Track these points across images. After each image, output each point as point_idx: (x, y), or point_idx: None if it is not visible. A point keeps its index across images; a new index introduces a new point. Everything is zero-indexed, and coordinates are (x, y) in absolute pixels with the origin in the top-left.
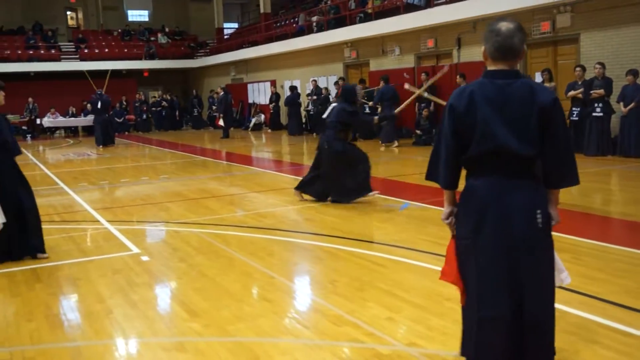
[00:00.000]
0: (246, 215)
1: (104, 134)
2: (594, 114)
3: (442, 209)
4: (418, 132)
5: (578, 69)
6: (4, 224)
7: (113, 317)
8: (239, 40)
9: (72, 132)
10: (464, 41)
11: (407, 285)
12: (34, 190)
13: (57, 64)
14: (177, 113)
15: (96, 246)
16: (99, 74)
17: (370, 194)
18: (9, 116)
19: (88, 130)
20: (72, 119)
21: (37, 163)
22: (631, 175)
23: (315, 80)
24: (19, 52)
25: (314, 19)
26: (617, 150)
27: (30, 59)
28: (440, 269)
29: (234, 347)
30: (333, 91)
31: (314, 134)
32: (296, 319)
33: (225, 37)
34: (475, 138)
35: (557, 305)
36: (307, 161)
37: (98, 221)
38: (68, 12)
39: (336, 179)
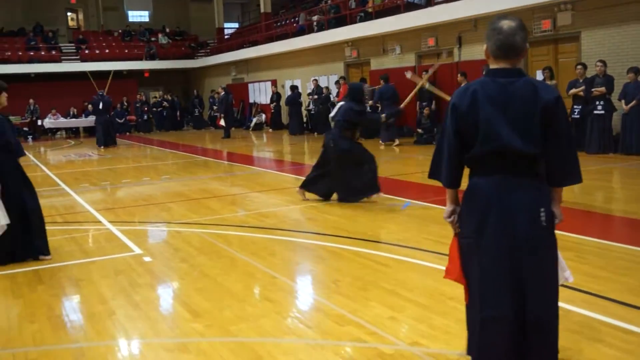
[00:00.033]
0: (248, 215)
1: (106, 135)
2: (595, 111)
3: (444, 207)
4: (419, 130)
5: (579, 66)
6: (7, 225)
7: (115, 318)
8: (239, 40)
9: (73, 133)
10: (464, 39)
11: (410, 284)
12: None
13: (58, 65)
14: (178, 113)
15: (98, 247)
16: (99, 75)
17: (375, 195)
18: (10, 117)
19: (89, 131)
20: (73, 119)
21: (39, 164)
22: (633, 173)
23: (316, 80)
24: (20, 53)
25: (315, 18)
26: (619, 148)
27: (30, 60)
28: (443, 268)
29: (237, 348)
30: (334, 90)
31: (315, 133)
32: (299, 318)
33: (226, 37)
34: (478, 137)
35: (560, 304)
36: (308, 160)
37: (100, 222)
38: (68, 13)
39: (342, 178)
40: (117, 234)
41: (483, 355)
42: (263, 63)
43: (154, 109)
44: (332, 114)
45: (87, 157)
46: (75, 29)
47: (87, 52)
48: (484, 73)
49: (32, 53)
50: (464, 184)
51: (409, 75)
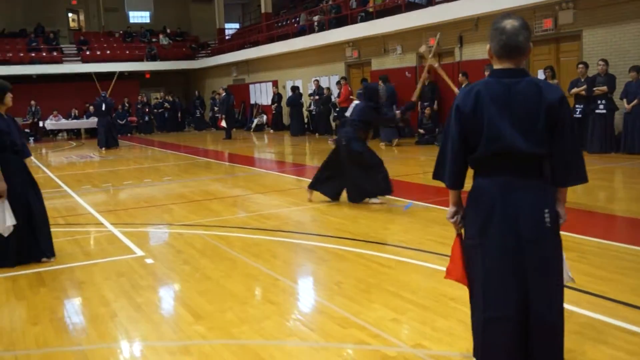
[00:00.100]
0: (249, 216)
1: (107, 136)
2: (597, 111)
3: (446, 208)
4: (421, 131)
5: (581, 66)
6: (14, 226)
7: (118, 320)
8: (240, 41)
9: (74, 134)
10: (466, 39)
11: (413, 286)
12: None
13: (59, 66)
14: (179, 114)
15: (100, 249)
16: (100, 76)
17: (377, 201)
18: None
19: (90, 133)
20: (75, 121)
21: (40, 166)
22: (635, 173)
23: (317, 80)
24: (21, 54)
25: (315, 18)
26: (621, 147)
27: (32, 62)
28: (445, 269)
29: (239, 350)
30: (335, 91)
31: (317, 134)
32: (301, 321)
33: (227, 37)
34: (482, 139)
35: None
36: (310, 162)
37: (102, 224)
38: (69, 14)
39: (352, 178)
40: (119, 236)
41: (486, 356)
42: (264, 64)
43: (155, 110)
44: (347, 113)
45: (89, 158)
46: (76, 30)
47: (88, 53)
48: (485, 73)
49: (33, 54)
50: (468, 184)
51: (422, 48)
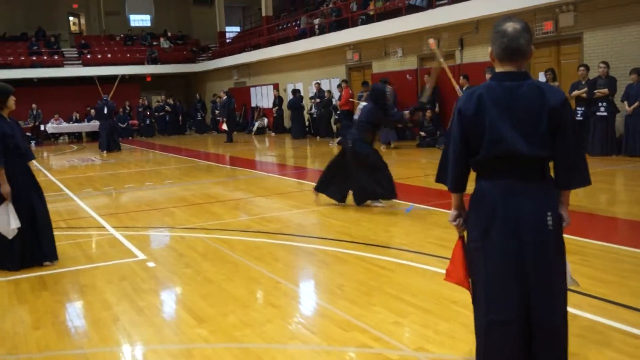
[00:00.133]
0: (251, 219)
1: (109, 140)
2: (598, 113)
3: (447, 211)
4: (422, 134)
5: (582, 68)
6: (18, 229)
7: (120, 323)
8: (241, 44)
9: (75, 137)
10: (466, 42)
11: (415, 289)
12: None
13: (60, 69)
14: (180, 118)
15: (102, 252)
16: (101, 79)
17: (379, 204)
18: None
19: (92, 136)
20: (76, 124)
21: (42, 169)
22: (636, 175)
23: (318, 83)
24: (22, 58)
25: (316, 21)
26: (622, 150)
27: (33, 65)
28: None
29: (241, 354)
30: (336, 94)
31: (318, 137)
32: (303, 324)
33: (228, 40)
34: (484, 142)
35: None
36: (311, 165)
37: (103, 227)
38: (70, 18)
39: (357, 180)
40: (120, 240)
41: (489, 359)
42: (265, 67)
43: (156, 114)
44: (355, 116)
45: (90, 162)
46: (77, 33)
47: (89, 56)
48: (486, 75)
49: (34, 58)
50: (470, 188)
51: (431, 41)
